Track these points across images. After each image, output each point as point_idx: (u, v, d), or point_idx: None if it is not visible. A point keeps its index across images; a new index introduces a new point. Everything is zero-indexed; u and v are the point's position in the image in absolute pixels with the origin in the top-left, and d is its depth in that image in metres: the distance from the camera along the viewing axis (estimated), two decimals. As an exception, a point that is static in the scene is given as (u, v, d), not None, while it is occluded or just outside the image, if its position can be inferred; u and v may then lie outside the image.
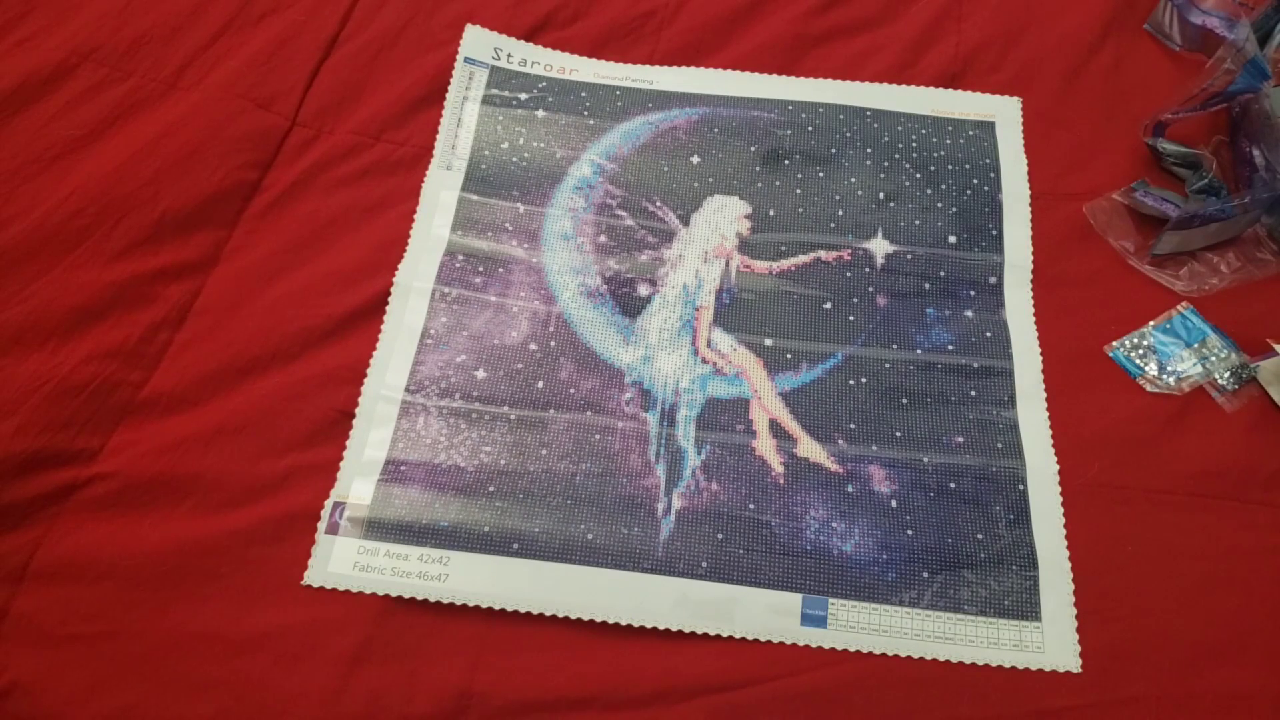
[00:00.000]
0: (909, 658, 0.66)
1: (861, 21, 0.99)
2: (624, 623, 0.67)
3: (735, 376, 0.78)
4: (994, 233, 0.86)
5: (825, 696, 0.64)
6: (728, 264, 0.84)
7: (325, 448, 0.73)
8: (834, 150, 0.90)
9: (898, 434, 0.75)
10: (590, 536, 0.70)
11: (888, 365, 0.79)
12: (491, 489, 0.72)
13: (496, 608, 0.67)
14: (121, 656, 0.64)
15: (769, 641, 0.66)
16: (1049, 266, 0.84)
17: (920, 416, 0.76)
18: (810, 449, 0.75)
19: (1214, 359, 0.78)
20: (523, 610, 0.67)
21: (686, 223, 0.86)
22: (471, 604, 0.67)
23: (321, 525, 0.70)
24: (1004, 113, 0.93)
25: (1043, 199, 0.88)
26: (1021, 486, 0.73)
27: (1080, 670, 0.65)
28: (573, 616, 0.67)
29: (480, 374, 0.77)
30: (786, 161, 0.89)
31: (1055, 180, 0.89)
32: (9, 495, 0.68)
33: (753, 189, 0.88)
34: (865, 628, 0.67)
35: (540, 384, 0.77)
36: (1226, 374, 0.77)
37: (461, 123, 0.91)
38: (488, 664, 0.65)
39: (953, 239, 0.85)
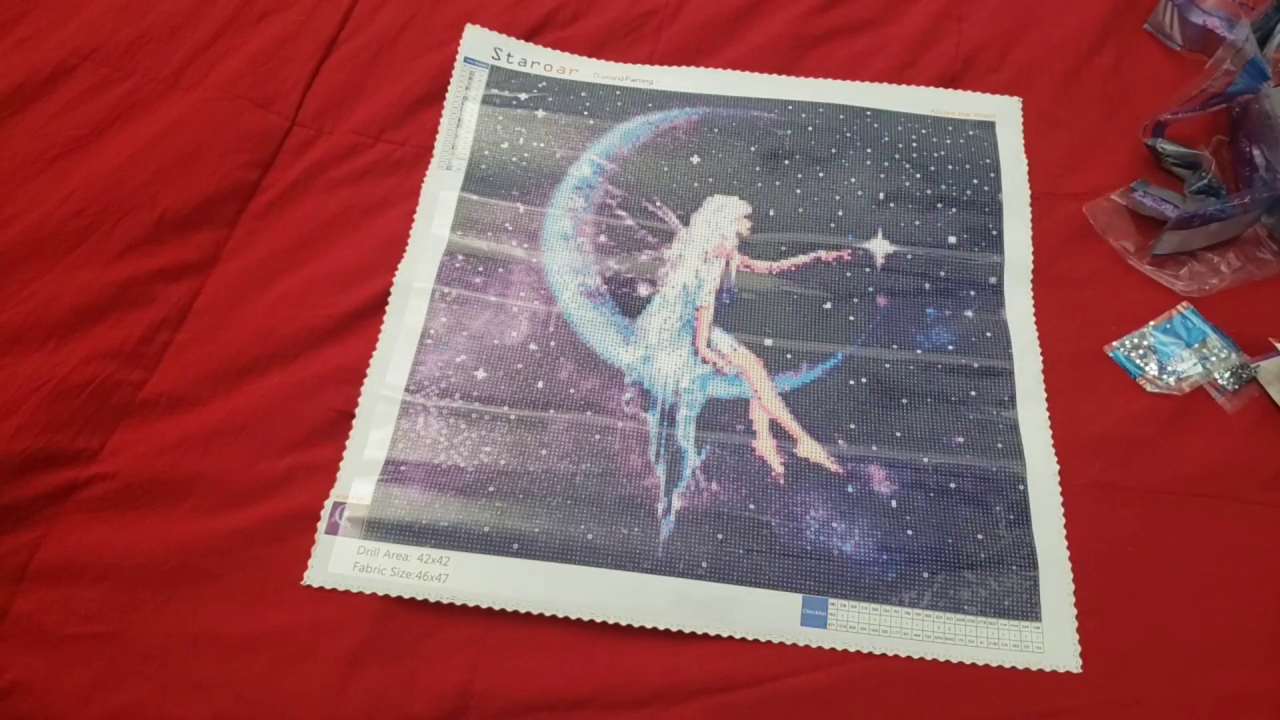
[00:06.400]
0: (909, 658, 0.66)
1: (861, 21, 0.99)
2: (624, 623, 0.67)
3: (735, 376, 0.78)
4: (994, 233, 0.86)
5: (825, 697, 0.64)
6: (728, 264, 0.84)
7: (325, 448, 0.73)
8: (834, 150, 0.90)
9: (898, 434, 0.75)
10: (590, 536, 0.70)
11: (888, 365, 0.79)
12: (491, 489, 0.72)
13: (496, 608, 0.67)
14: (121, 656, 0.64)
15: (769, 642, 0.66)
16: (1049, 266, 0.84)
17: (920, 417, 0.76)
18: (810, 449, 0.75)
19: (1214, 359, 0.78)
20: (523, 610, 0.67)
21: (686, 223, 0.86)
22: (471, 604, 0.67)
23: (321, 525, 0.70)
24: (1004, 113, 0.93)
25: (1043, 199, 0.88)
26: (1021, 486, 0.73)
27: (1080, 670, 0.65)
28: (573, 616, 0.67)
29: (480, 374, 0.77)
30: (786, 161, 0.89)
31: (1055, 180, 0.89)
32: (9, 495, 0.68)
33: (753, 189, 0.88)
34: (865, 628, 0.67)
35: (540, 384, 0.77)
36: (1227, 374, 0.77)
37: (461, 123, 0.91)
38: (488, 664, 0.65)
39: (953, 239, 0.85)
